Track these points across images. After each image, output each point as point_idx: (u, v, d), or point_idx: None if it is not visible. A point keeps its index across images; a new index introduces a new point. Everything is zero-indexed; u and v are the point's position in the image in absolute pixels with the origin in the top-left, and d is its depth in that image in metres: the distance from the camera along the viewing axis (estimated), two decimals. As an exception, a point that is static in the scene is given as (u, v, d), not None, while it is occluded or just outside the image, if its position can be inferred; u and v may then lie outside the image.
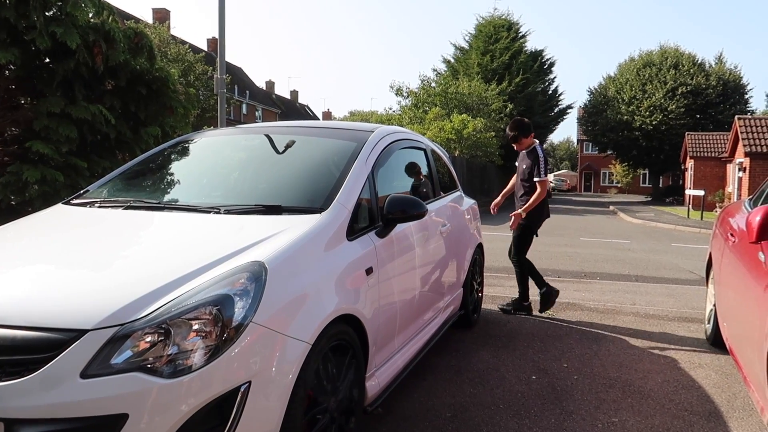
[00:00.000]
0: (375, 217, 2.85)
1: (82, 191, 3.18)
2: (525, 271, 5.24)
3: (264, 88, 55.58)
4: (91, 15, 4.92)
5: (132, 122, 5.36)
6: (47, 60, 4.89)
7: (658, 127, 35.63)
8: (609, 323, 5.10)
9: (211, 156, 3.53)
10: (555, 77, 39.14)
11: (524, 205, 5.05)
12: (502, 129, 24.94)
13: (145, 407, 1.73)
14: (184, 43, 29.17)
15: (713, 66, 37.42)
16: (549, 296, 5.24)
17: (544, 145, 52.00)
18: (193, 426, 1.79)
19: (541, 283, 5.25)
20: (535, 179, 5.04)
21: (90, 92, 5.01)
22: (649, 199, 40.24)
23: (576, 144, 69.80)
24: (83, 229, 2.62)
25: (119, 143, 5.27)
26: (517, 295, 5.37)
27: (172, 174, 3.35)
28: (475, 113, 26.20)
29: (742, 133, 21.26)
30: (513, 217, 5.08)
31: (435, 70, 35.64)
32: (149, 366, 1.77)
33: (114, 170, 3.44)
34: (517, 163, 5.38)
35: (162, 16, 37.17)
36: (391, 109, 31.80)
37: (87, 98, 4.87)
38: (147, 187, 3.20)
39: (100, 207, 2.85)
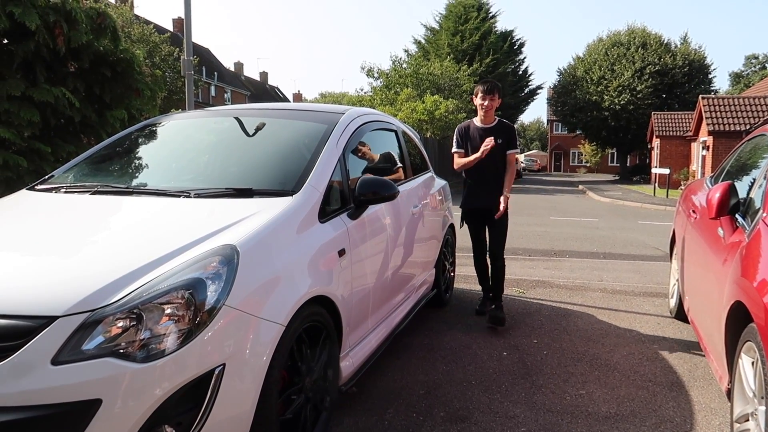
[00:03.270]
0: (347, 198, 2.87)
1: (47, 177, 3.12)
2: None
3: (233, 70, 54.63)
4: (50, -6, 4.76)
5: (97, 105, 5.23)
6: (5, 41, 4.72)
7: (626, 107, 36.20)
8: (577, 300, 5.24)
9: (180, 139, 3.48)
10: (525, 57, 39.49)
11: (504, 188, 4.32)
12: (473, 110, 25.02)
13: (119, 392, 1.74)
14: (148, 23, 28.42)
15: (679, 46, 38.05)
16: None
17: (516, 125, 52.46)
18: (168, 409, 1.80)
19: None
20: (514, 152, 4.40)
21: (52, 74, 4.87)
22: (617, 178, 41.02)
23: (546, 124, 70.49)
24: (50, 215, 2.57)
25: (84, 127, 5.14)
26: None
27: (140, 158, 3.30)
28: (447, 94, 26.23)
29: (705, 112, 21.74)
30: (502, 201, 4.24)
31: (406, 50, 35.58)
32: (122, 351, 1.77)
33: (80, 155, 3.37)
34: (479, 145, 4.28)
35: (125, -5, 36.03)
36: (362, 90, 31.59)
37: (49, 81, 4.73)
38: (114, 171, 3.14)
39: (66, 192, 2.80)
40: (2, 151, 4.40)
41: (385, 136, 3.96)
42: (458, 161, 4.51)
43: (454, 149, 4.56)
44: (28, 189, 2.96)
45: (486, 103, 4.36)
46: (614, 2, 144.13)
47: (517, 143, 4.52)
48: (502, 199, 4.26)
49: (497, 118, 4.48)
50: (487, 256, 4.56)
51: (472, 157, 4.36)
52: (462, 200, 4.55)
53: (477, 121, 4.49)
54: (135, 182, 2.98)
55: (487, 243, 4.52)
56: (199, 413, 1.86)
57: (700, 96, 23.23)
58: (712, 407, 3.02)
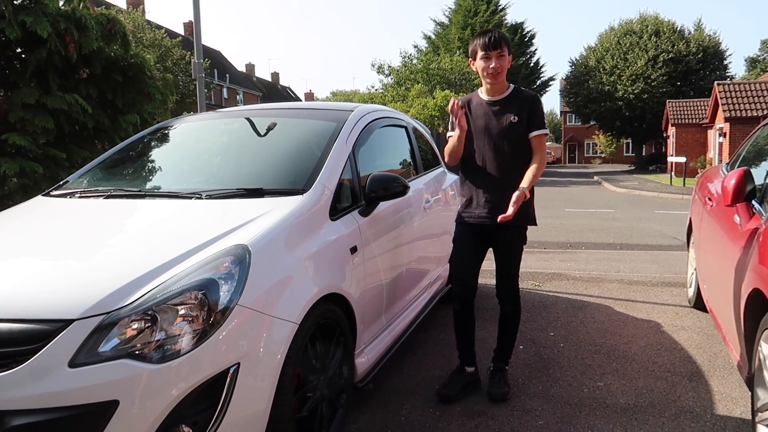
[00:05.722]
0: (357, 196, 2.87)
1: (61, 182, 3.16)
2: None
3: (244, 71, 54.92)
4: (61, 2, 4.83)
5: (109, 110, 5.29)
6: (19, 50, 4.79)
7: (640, 96, 35.75)
8: (594, 291, 5.19)
9: (191, 141, 3.50)
10: (536, 49, 39.11)
11: (522, 181, 2.82)
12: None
13: (136, 393, 1.75)
14: (159, 28, 28.68)
15: (693, 33, 37.49)
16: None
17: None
18: (184, 409, 1.82)
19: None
20: (540, 133, 2.87)
21: (65, 81, 4.93)
22: (633, 167, 40.57)
23: (559, 116, 69.84)
24: (64, 220, 2.60)
25: (98, 132, 5.21)
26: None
27: (152, 161, 3.33)
28: (458, 89, 26.12)
29: (721, 98, 21.41)
30: (515, 198, 2.73)
31: (416, 46, 35.52)
32: (137, 352, 1.79)
33: (93, 160, 3.41)
34: (473, 123, 2.94)
35: (136, 0, 36.41)
36: (373, 87, 31.62)
37: (62, 87, 4.79)
38: (127, 175, 3.18)
39: (80, 197, 2.83)
40: (18, 159, 4.47)
41: (395, 132, 3.95)
42: (448, 148, 3.02)
43: (449, 133, 3.03)
44: (44, 195, 3.00)
45: (493, 64, 2.81)
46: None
47: (545, 121, 2.92)
48: (515, 196, 2.72)
49: (511, 86, 2.94)
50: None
51: (454, 134, 2.87)
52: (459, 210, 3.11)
53: (482, 93, 2.99)
54: (147, 185, 3.01)
55: (495, 276, 3.05)
56: (215, 412, 1.87)
57: (716, 82, 22.90)
58: (733, 396, 2.98)
